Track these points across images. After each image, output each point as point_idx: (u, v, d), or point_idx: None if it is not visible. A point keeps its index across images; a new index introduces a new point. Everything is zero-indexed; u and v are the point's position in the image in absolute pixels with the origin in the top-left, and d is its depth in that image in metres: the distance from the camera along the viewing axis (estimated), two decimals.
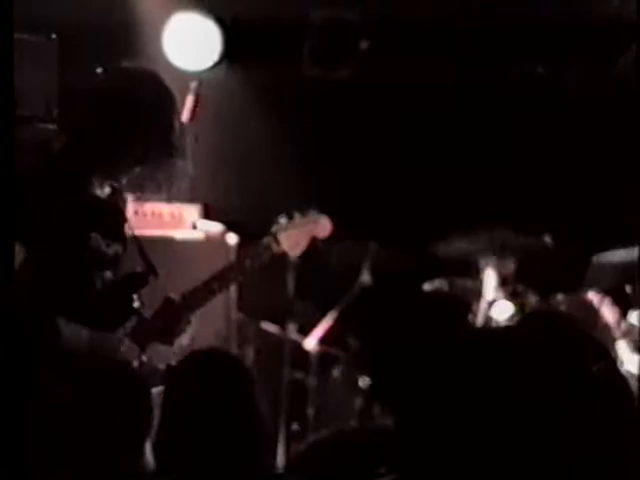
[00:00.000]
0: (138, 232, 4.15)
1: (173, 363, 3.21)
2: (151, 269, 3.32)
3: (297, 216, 3.44)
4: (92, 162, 3.19)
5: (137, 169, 3.16)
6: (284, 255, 3.44)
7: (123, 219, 3.37)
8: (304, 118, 5.15)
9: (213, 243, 4.46)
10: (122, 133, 3.14)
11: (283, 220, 3.41)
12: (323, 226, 3.45)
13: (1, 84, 2.96)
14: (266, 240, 3.39)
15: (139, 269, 3.33)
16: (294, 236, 3.42)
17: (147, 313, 3.29)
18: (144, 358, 3.21)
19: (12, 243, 2.83)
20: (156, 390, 3.11)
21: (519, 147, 5.07)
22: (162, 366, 3.24)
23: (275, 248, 3.38)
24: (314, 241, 3.47)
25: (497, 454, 1.47)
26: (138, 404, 2.54)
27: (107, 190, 3.23)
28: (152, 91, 3.22)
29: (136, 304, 3.28)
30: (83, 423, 2.43)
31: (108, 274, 3.22)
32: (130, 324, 3.21)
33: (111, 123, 3.14)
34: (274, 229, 3.40)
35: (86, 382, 2.49)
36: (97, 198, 3.21)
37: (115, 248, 3.25)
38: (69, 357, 2.87)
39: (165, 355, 3.28)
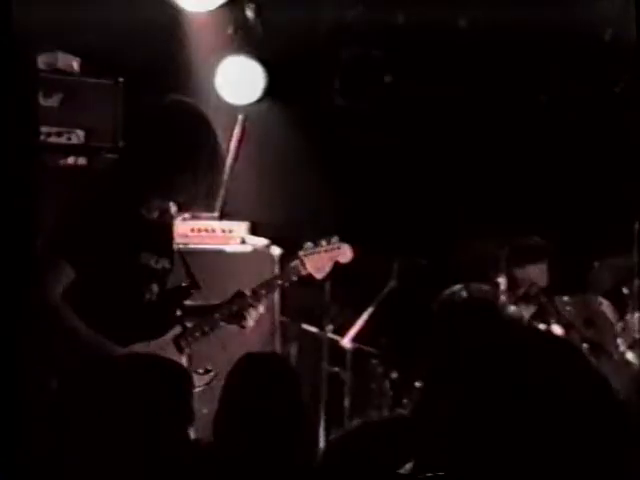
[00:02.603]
0: (194, 246, 4.50)
1: (209, 367, 3.43)
2: (194, 284, 3.50)
3: (322, 242, 3.59)
4: (148, 185, 3.33)
5: (190, 190, 3.32)
6: (310, 276, 3.58)
7: (171, 237, 3.53)
8: (336, 145, 5.43)
9: (259, 255, 4.74)
10: (172, 159, 3.28)
11: (310, 245, 3.58)
12: (345, 252, 3.63)
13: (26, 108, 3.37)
14: (294, 263, 3.58)
15: (184, 283, 3.51)
16: (319, 260, 3.58)
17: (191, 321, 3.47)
18: (184, 362, 3.43)
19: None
20: (196, 391, 3.29)
21: (530, 166, 5.39)
22: (201, 370, 3.46)
23: (302, 270, 3.56)
24: (337, 265, 3.63)
25: (512, 450, 1.47)
26: (182, 395, 2.51)
27: (157, 211, 3.39)
28: (194, 120, 3.35)
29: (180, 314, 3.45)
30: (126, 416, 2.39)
31: (155, 287, 3.38)
32: (174, 332, 3.42)
33: (162, 149, 3.29)
34: (301, 253, 3.57)
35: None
36: (147, 219, 3.36)
37: (163, 263, 3.41)
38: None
39: (204, 360, 3.51)
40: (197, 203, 3.46)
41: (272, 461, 2.56)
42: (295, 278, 3.58)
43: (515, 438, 1.48)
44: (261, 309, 3.55)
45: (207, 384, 3.43)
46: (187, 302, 3.53)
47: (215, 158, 3.41)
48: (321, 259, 3.60)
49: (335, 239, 3.64)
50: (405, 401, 4.99)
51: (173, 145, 3.31)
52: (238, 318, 3.51)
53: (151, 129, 3.38)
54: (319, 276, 3.64)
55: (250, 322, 3.52)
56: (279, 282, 3.60)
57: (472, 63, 5.29)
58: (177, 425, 2.46)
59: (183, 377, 2.62)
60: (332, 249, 3.61)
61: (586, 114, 5.32)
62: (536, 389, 1.50)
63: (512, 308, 4.97)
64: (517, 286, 5.02)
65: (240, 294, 3.53)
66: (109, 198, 3.34)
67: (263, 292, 3.54)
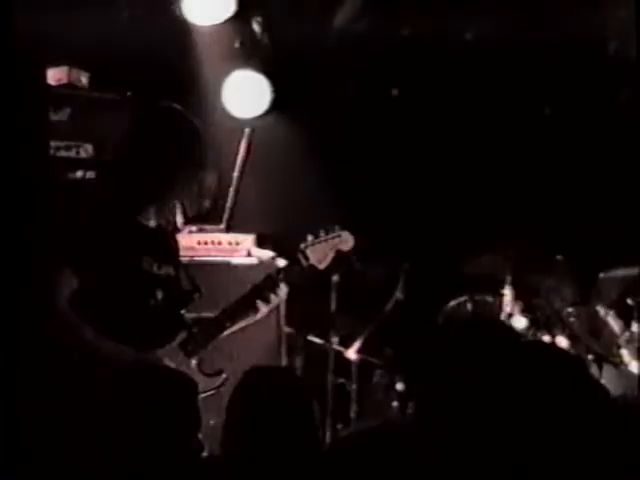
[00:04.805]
0: (200, 259, 4.53)
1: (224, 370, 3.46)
2: (196, 289, 3.53)
3: (322, 233, 3.61)
4: (141, 193, 3.41)
5: (181, 197, 3.41)
6: (313, 269, 3.57)
7: (173, 245, 3.57)
8: (343, 157, 5.49)
9: (265, 266, 4.62)
10: (162, 167, 3.36)
11: (310, 238, 3.59)
12: (346, 240, 3.63)
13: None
14: (296, 256, 3.58)
15: (186, 289, 3.54)
16: (320, 250, 3.58)
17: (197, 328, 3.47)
18: (193, 366, 3.45)
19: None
20: (204, 395, 3.32)
21: (536, 178, 5.44)
22: (210, 372, 3.48)
23: (304, 262, 3.56)
24: (339, 254, 3.63)
25: (512, 455, 1.52)
26: (187, 403, 2.60)
27: (155, 219, 3.44)
28: (182, 127, 3.43)
29: (185, 319, 3.49)
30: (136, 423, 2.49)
31: (159, 294, 3.42)
32: (180, 337, 3.43)
33: (151, 159, 3.38)
34: (302, 246, 3.58)
35: (136, 388, 2.57)
36: (146, 227, 3.43)
37: (166, 270, 3.46)
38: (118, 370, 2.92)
39: (213, 363, 3.51)
40: (190, 210, 3.50)
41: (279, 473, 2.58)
42: (297, 271, 3.59)
43: (515, 449, 1.52)
44: (271, 304, 3.57)
45: (217, 388, 3.44)
46: (193, 314, 3.56)
47: (202, 164, 3.47)
48: (322, 249, 3.60)
49: (335, 228, 3.65)
50: (410, 411, 4.92)
51: (162, 153, 3.39)
52: (246, 313, 3.53)
53: (141, 138, 3.46)
54: (321, 266, 3.63)
55: (259, 314, 3.54)
56: (281, 276, 3.59)
57: (478, 75, 5.34)
58: (183, 432, 2.51)
59: (188, 386, 2.66)
60: (332, 238, 3.62)
61: (591, 126, 5.35)
62: (537, 402, 1.54)
63: (516, 320, 5.09)
64: (524, 297, 5.11)
65: (244, 296, 3.57)
66: (106, 206, 3.40)
67: (266, 288, 3.55)
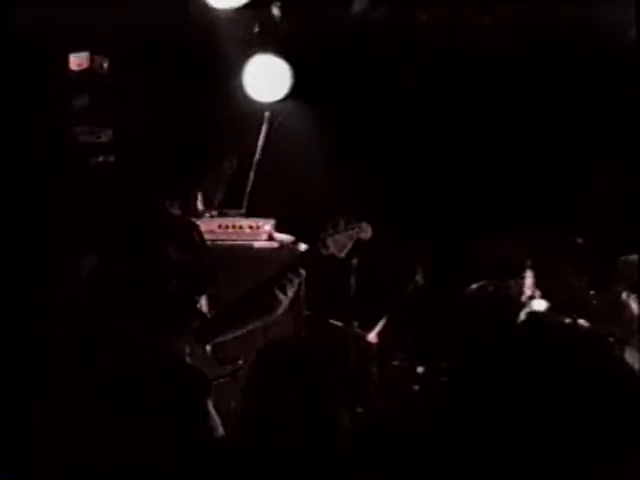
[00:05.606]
0: (221, 242, 4.57)
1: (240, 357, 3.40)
2: (212, 276, 3.50)
3: (341, 223, 3.64)
4: (160, 179, 3.43)
5: (202, 183, 3.44)
6: (332, 257, 3.59)
7: (193, 231, 3.52)
8: (363, 142, 5.53)
9: (286, 250, 4.71)
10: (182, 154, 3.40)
11: (330, 227, 3.61)
12: (365, 230, 3.66)
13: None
14: (316, 245, 3.60)
15: (202, 276, 3.46)
16: (340, 240, 3.61)
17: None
18: (208, 353, 3.44)
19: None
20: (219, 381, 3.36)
21: (555, 164, 5.48)
22: (226, 358, 3.45)
23: (323, 252, 3.59)
24: (358, 243, 3.66)
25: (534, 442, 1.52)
26: (194, 400, 2.67)
27: (176, 205, 3.44)
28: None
29: (203, 307, 3.46)
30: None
31: (176, 281, 3.35)
32: (195, 324, 3.41)
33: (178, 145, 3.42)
34: (322, 235, 3.60)
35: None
36: (166, 212, 3.43)
37: (185, 257, 3.40)
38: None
39: (229, 349, 3.51)
40: (211, 196, 3.53)
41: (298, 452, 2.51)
42: (317, 260, 3.60)
43: (535, 429, 1.52)
44: (290, 293, 3.56)
45: (231, 375, 3.45)
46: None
47: (223, 150, 3.51)
48: (342, 239, 3.64)
49: (354, 219, 3.68)
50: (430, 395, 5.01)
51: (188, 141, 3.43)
52: (266, 303, 3.53)
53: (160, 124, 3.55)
54: (341, 255, 3.65)
55: (280, 307, 3.54)
56: (300, 265, 3.58)
57: (496, 61, 5.34)
58: (189, 429, 2.53)
59: (197, 383, 2.71)
60: (352, 228, 3.66)
61: (611, 111, 5.33)
62: (558, 383, 1.54)
63: (537, 304, 5.09)
64: (544, 281, 5.10)
65: (262, 285, 3.56)
66: (125, 191, 3.51)
67: (287, 277, 3.55)
